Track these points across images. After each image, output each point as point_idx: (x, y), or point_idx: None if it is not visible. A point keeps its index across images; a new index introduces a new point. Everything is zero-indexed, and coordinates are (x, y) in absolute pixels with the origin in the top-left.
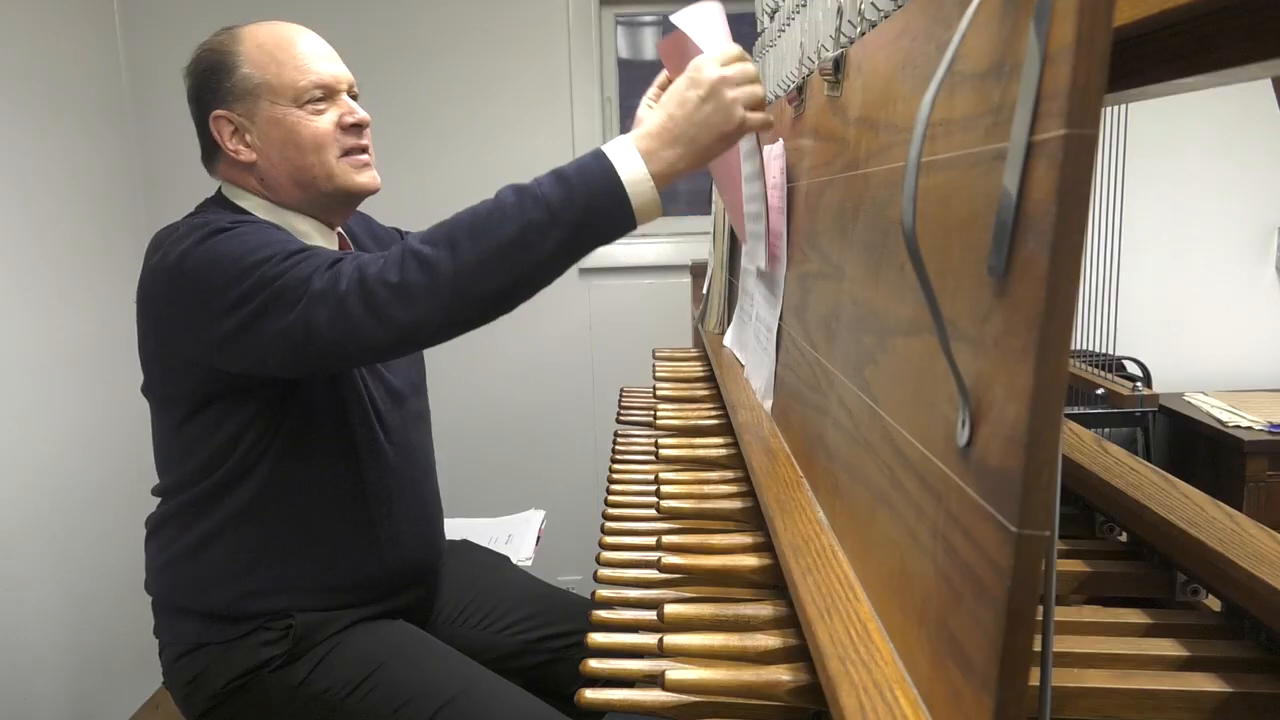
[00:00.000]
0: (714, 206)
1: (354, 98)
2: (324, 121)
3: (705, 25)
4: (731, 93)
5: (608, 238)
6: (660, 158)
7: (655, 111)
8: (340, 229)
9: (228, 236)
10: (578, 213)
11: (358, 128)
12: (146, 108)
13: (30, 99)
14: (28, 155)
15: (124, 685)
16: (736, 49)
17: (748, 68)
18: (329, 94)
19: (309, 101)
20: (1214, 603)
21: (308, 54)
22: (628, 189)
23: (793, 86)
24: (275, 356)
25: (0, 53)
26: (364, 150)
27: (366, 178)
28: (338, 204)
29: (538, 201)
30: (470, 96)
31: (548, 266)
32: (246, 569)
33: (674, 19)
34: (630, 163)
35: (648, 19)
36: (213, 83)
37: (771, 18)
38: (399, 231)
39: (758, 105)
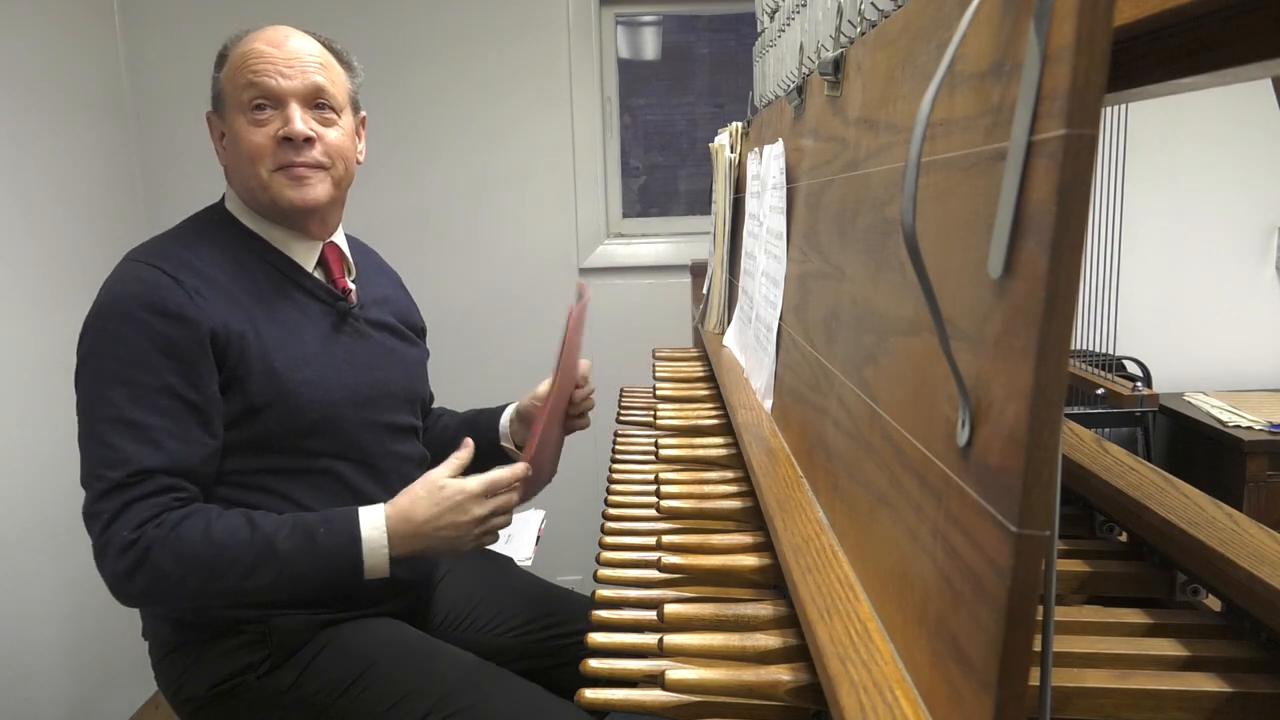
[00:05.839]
0: (714, 207)
1: (322, 107)
2: (260, 134)
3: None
4: (478, 529)
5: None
6: (397, 547)
7: (420, 509)
8: (335, 244)
9: (102, 339)
10: (313, 585)
11: (289, 141)
12: (146, 108)
13: (30, 99)
14: (28, 155)
15: (124, 685)
16: (500, 480)
17: (506, 508)
18: (276, 104)
19: (254, 109)
20: (1214, 603)
21: (266, 60)
22: (365, 573)
23: (793, 86)
24: None
25: (0, 53)
26: (299, 165)
27: (296, 194)
28: (279, 217)
29: (284, 570)
30: (470, 96)
31: (277, 597)
32: None
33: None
34: (377, 555)
35: (648, 19)
36: (211, 80)
37: (771, 18)
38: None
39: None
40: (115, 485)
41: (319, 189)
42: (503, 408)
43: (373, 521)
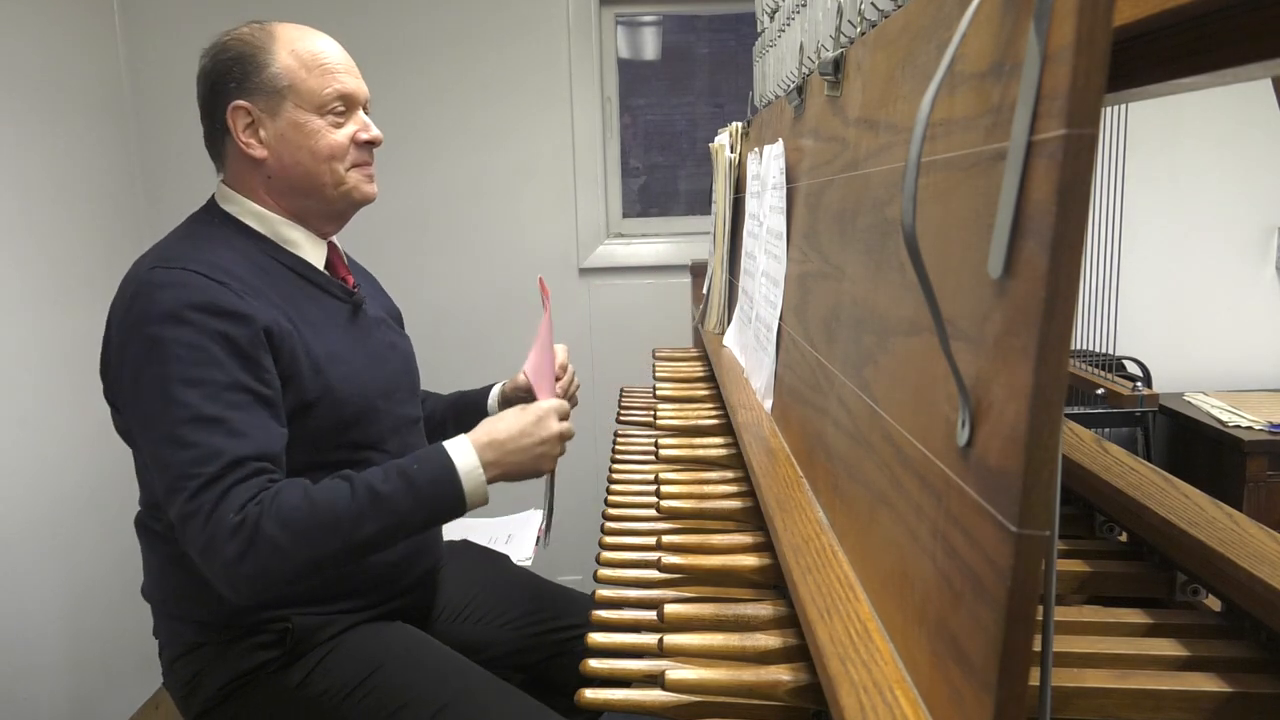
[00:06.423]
0: (714, 207)
1: (367, 113)
2: (341, 134)
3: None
4: (557, 449)
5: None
6: (489, 470)
7: (501, 427)
8: (334, 243)
9: (156, 347)
10: (420, 523)
11: (370, 145)
12: (146, 108)
13: (30, 99)
14: (28, 155)
15: (125, 685)
16: (565, 406)
17: (569, 435)
18: (349, 107)
19: (330, 112)
20: (1214, 603)
21: (336, 66)
22: (467, 500)
23: (793, 86)
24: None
25: (1, 52)
26: (370, 164)
27: (370, 188)
28: (337, 211)
29: (392, 512)
30: (470, 96)
31: (382, 550)
32: None
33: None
34: (473, 478)
35: (648, 19)
36: (238, 73)
37: (771, 18)
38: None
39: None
40: (211, 478)
41: (376, 184)
42: (488, 389)
43: (461, 450)
